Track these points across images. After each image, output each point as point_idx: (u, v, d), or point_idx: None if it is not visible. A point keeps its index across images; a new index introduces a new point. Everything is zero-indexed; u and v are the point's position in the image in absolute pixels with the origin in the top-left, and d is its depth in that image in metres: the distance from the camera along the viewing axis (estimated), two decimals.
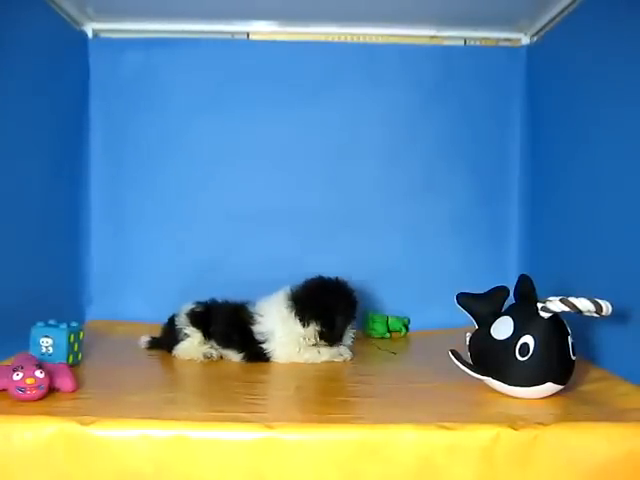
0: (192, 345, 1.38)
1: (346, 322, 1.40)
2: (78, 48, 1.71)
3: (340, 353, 1.38)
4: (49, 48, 1.51)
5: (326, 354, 1.37)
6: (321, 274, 1.42)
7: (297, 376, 1.27)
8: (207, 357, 1.36)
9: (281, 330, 1.36)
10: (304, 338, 1.36)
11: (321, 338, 1.37)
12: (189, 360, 1.36)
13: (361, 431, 0.92)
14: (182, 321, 1.40)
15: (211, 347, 1.38)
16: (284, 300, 1.38)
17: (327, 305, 1.37)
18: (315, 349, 1.37)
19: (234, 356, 1.37)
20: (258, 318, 1.38)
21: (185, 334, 1.38)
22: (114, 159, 1.77)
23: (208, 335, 1.39)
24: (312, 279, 1.41)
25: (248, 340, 1.36)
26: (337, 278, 1.41)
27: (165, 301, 1.75)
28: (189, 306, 1.43)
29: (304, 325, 1.36)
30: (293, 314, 1.36)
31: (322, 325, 1.36)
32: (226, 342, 1.38)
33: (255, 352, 1.36)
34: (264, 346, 1.35)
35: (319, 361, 1.36)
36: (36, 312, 1.26)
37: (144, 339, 1.47)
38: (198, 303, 1.44)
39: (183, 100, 1.75)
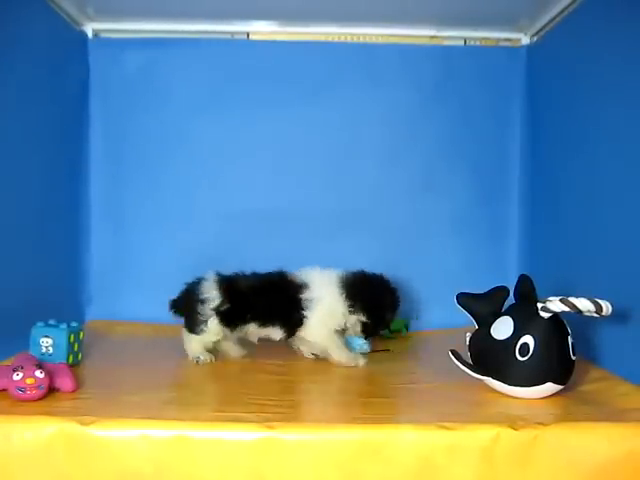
0: (205, 341, 1.34)
1: (390, 322, 1.41)
2: (78, 48, 1.71)
3: (355, 358, 1.34)
4: (49, 48, 1.51)
5: (342, 357, 1.34)
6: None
7: (297, 376, 1.27)
8: (197, 361, 1.33)
9: (328, 304, 1.33)
10: (346, 323, 1.35)
11: (363, 330, 1.37)
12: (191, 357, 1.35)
13: (361, 431, 0.92)
14: (206, 312, 1.33)
15: (243, 334, 1.36)
16: (336, 281, 1.36)
17: (379, 301, 1.37)
18: (338, 346, 1.35)
19: (275, 333, 1.35)
20: (310, 285, 1.34)
21: (202, 329, 1.33)
22: (114, 158, 1.77)
23: (230, 325, 1.34)
24: (362, 272, 1.40)
25: (292, 309, 1.33)
26: (382, 275, 1.41)
27: (165, 301, 1.75)
28: (215, 298, 1.33)
29: (351, 312, 1.35)
30: (343, 297, 1.34)
31: (369, 318, 1.36)
32: (269, 319, 1.34)
33: (295, 320, 1.33)
34: (306, 312, 1.32)
35: (331, 359, 1.34)
36: (36, 312, 1.26)
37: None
38: (222, 282, 1.35)
39: (183, 100, 1.76)
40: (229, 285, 1.35)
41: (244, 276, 1.38)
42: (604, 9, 1.32)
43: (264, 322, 1.35)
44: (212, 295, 1.33)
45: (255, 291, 1.35)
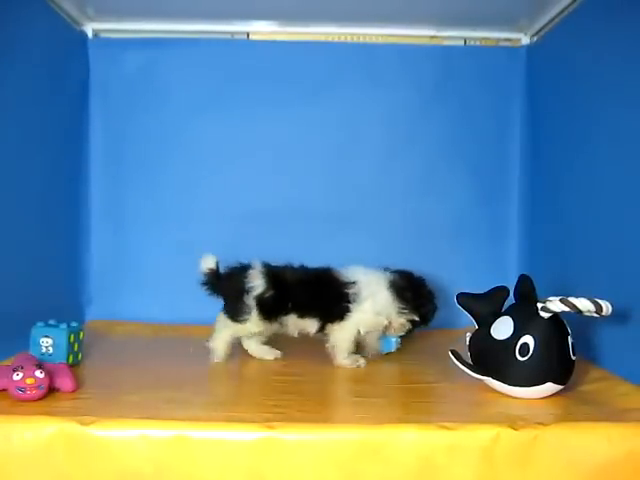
0: (245, 332, 1.34)
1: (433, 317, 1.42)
2: (78, 48, 1.71)
3: (356, 360, 1.35)
4: (49, 48, 1.51)
5: (346, 361, 1.34)
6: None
7: (298, 376, 1.27)
8: (215, 359, 1.33)
9: (378, 305, 1.33)
10: (391, 324, 1.35)
11: (413, 328, 1.38)
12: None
13: (361, 431, 0.92)
14: (249, 301, 1.32)
15: (280, 325, 1.35)
16: (384, 281, 1.35)
17: (425, 299, 1.38)
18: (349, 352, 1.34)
19: (311, 326, 1.34)
20: (358, 283, 1.33)
21: (245, 319, 1.32)
22: (114, 158, 1.77)
23: (271, 318, 1.33)
24: (404, 272, 1.40)
25: (336, 302, 1.32)
26: (413, 272, 1.41)
27: (165, 301, 1.76)
28: (259, 286, 1.32)
29: (403, 313, 1.35)
30: (394, 296, 1.34)
31: (419, 316, 1.36)
32: (308, 309, 1.33)
33: (336, 313, 1.32)
34: (351, 305, 1.32)
35: (337, 363, 1.33)
36: (36, 312, 1.26)
37: (208, 262, 1.37)
38: (267, 271, 1.34)
39: (183, 100, 1.76)
40: (275, 275, 1.34)
41: (291, 267, 1.37)
42: (604, 9, 1.32)
43: (304, 313, 1.34)
44: (257, 284, 1.32)
45: (299, 281, 1.34)
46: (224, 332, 1.35)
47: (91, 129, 1.76)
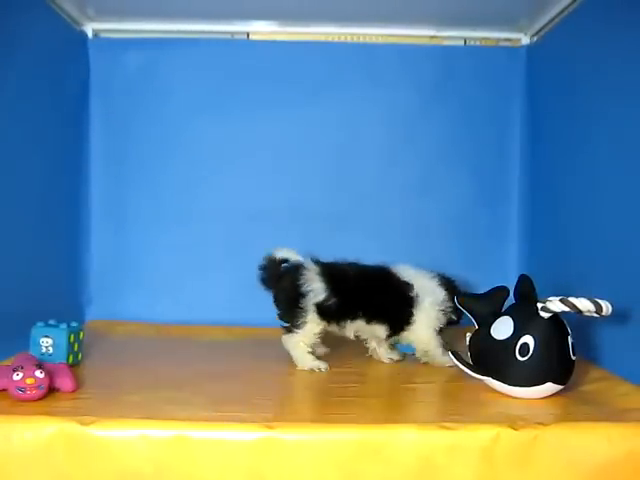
0: (306, 335, 1.28)
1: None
2: (78, 48, 1.71)
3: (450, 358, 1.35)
4: (49, 48, 1.51)
5: (444, 357, 1.32)
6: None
7: (297, 376, 1.27)
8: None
9: (436, 304, 1.33)
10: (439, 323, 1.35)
11: (446, 326, 1.37)
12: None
13: (361, 431, 0.92)
14: (307, 305, 1.27)
15: (342, 328, 1.30)
16: (436, 281, 1.35)
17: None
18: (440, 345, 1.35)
19: (380, 331, 1.32)
20: (412, 285, 1.32)
21: (304, 322, 1.27)
22: (114, 158, 1.77)
23: (333, 321, 1.30)
24: (443, 273, 1.39)
25: (401, 306, 1.31)
26: None
27: (166, 301, 1.76)
28: (318, 291, 1.27)
29: (450, 312, 1.34)
30: (447, 297, 1.33)
31: (456, 315, 1.36)
32: (376, 316, 1.30)
33: (401, 318, 1.31)
34: (414, 310, 1.31)
35: (432, 361, 1.33)
36: (36, 312, 1.26)
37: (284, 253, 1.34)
38: (324, 275, 1.29)
39: (183, 100, 1.76)
40: (334, 276, 1.29)
41: (348, 266, 1.34)
42: (604, 9, 1.32)
43: (372, 318, 1.31)
44: (316, 287, 1.28)
45: (364, 285, 1.31)
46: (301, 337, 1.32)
47: (91, 129, 1.76)
